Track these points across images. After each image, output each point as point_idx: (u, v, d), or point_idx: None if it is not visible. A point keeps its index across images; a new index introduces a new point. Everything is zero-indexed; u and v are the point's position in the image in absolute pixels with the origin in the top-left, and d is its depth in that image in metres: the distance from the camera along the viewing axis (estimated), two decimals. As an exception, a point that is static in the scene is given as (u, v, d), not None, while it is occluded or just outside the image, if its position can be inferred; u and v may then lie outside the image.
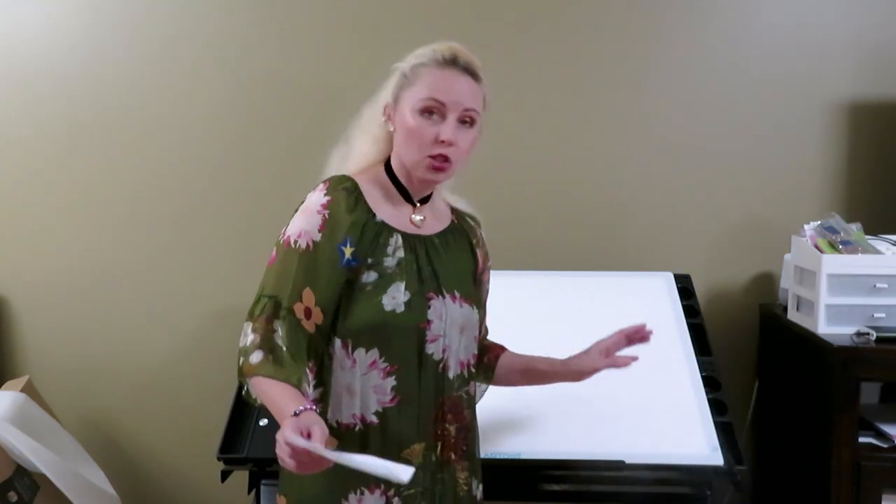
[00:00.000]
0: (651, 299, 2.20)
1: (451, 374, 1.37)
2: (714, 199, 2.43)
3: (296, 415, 1.16)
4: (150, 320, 2.53)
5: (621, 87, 2.42)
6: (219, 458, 1.84)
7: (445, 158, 1.32)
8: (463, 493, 1.40)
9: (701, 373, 1.99)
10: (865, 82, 2.37)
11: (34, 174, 2.52)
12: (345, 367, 1.31)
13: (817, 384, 1.99)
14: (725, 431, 1.85)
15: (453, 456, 1.38)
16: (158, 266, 2.51)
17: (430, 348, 1.34)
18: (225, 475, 1.85)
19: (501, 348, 1.59)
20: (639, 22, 2.40)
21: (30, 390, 2.28)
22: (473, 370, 1.45)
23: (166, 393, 2.53)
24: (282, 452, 1.13)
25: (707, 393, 1.94)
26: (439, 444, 1.36)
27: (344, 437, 1.32)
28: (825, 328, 1.99)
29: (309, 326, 1.31)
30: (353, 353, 1.31)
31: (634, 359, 1.45)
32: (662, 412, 1.89)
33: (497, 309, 2.18)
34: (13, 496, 2.03)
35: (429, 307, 1.34)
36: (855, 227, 2.07)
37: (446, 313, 1.35)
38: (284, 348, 1.27)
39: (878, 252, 2.02)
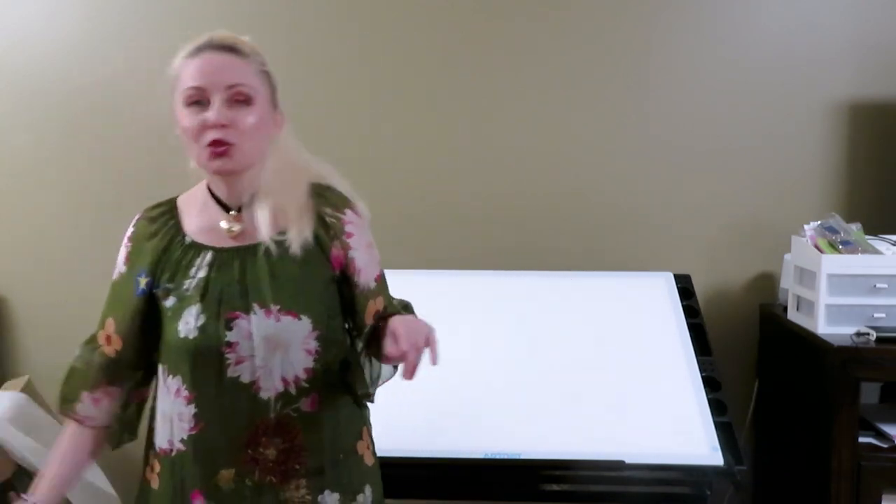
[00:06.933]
0: (651, 299, 2.20)
1: (264, 396, 1.25)
2: (714, 199, 2.43)
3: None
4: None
5: (621, 87, 2.42)
6: (219, 458, 1.84)
7: (221, 142, 1.23)
8: None
9: (701, 373, 1.99)
10: (865, 82, 2.37)
11: (34, 174, 2.52)
12: (162, 393, 1.31)
13: (817, 384, 1.99)
14: (725, 431, 1.85)
15: (273, 479, 1.27)
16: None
17: (236, 371, 1.24)
18: (225, 475, 1.84)
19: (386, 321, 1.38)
20: (639, 22, 2.40)
21: (30, 390, 2.28)
22: (307, 384, 1.28)
23: (166, 393, 2.52)
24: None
25: (707, 393, 1.93)
26: (256, 469, 1.26)
27: (163, 462, 1.30)
28: (825, 328, 1.99)
29: (109, 352, 1.34)
30: (167, 379, 1.30)
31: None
32: (662, 412, 1.90)
33: (497, 308, 2.18)
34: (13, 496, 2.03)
35: (230, 328, 1.24)
36: (855, 227, 2.07)
37: (255, 332, 1.24)
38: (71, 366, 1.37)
39: (878, 252, 2.01)
